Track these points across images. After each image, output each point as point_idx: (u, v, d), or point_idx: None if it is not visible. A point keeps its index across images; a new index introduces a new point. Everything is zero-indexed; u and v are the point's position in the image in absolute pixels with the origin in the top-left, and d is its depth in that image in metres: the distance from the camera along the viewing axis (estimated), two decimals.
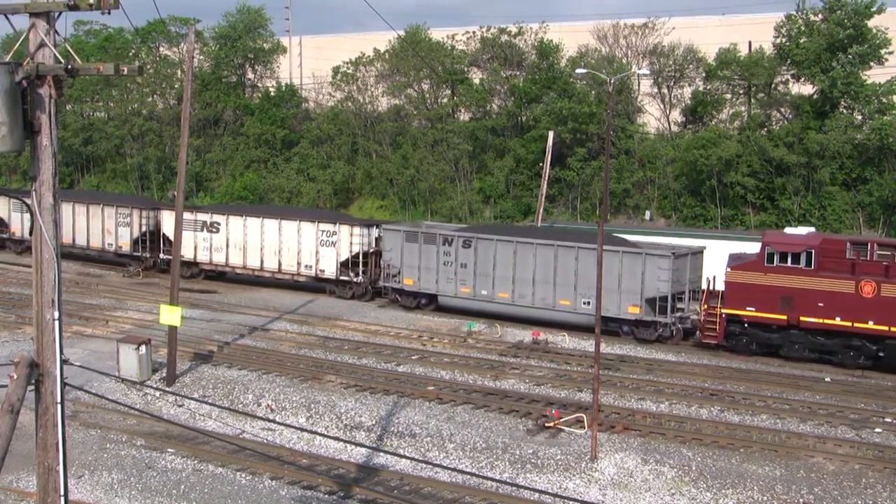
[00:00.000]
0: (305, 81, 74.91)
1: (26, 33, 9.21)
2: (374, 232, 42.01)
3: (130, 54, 76.26)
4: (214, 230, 45.51)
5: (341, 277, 42.11)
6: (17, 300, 39.85)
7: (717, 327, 32.64)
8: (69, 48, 9.60)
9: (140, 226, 48.54)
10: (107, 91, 75.47)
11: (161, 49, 77.88)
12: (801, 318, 31.26)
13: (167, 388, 27.99)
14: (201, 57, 72.44)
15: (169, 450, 23.49)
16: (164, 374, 28.96)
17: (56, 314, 9.52)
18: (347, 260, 41.86)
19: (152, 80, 74.25)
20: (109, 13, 9.16)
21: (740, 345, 32.71)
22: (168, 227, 46.25)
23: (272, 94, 72.02)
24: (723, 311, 32.49)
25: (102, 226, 49.96)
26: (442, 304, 39.60)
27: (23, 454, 19.83)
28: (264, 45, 73.63)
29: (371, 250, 41.77)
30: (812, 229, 36.75)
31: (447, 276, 38.61)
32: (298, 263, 43.11)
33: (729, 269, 32.61)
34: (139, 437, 24.36)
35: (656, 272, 33.68)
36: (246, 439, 23.54)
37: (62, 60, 9.15)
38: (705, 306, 33.04)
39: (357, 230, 41.62)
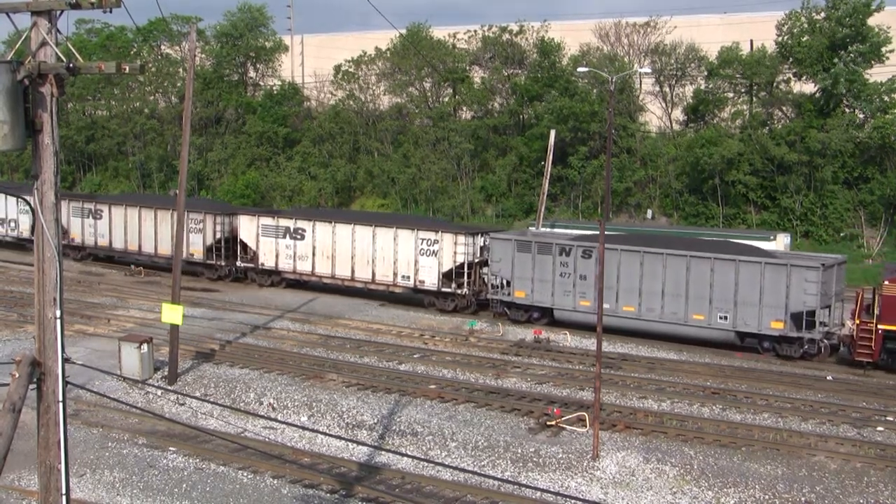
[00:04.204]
0: (307, 80, 74.94)
1: (28, 32, 9.21)
2: (479, 240, 39.34)
3: (132, 53, 76.42)
4: (299, 237, 43.05)
5: (443, 289, 39.35)
6: (19, 299, 39.89)
7: (873, 344, 29.91)
8: (71, 47, 9.58)
9: (214, 232, 45.62)
10: (108, 89, 75.62)
11: (163, 47, 78.01)
12: None
13: (169, 387, 28.01)
14: (203, 55, 72.50)
15: (170, 448, 23.50)
16: (165, 373, 28.98)
17: (58, 312, 9.52)
18: (451, 271, 39.16)
19: (154, 79, 74.39)
20: (111, 11, 9.15)
21: None
22: (246, 233, 44.62)
23: (274, 92, 72.06)
24: (879, 327, 29.82)
25: (172, 232, 48.24)
26: (558, 318, 36.65)
27: (24, 453, 19.86)
28: (266, 43, 73.70)
29: (476, 260, 39.03)
30: None
31: (564, 289, 35.84)
32: (395, 274, 40.32)
33: (887, 282, 29.87)
34: (141, 436, 24.37)
35: (803, 285, 31.32)
36: (248, 438, 23.54)
37: (64, 59, 9.14)
38: (858, 321, 30.41)
39: (461, 239, 38.84)
